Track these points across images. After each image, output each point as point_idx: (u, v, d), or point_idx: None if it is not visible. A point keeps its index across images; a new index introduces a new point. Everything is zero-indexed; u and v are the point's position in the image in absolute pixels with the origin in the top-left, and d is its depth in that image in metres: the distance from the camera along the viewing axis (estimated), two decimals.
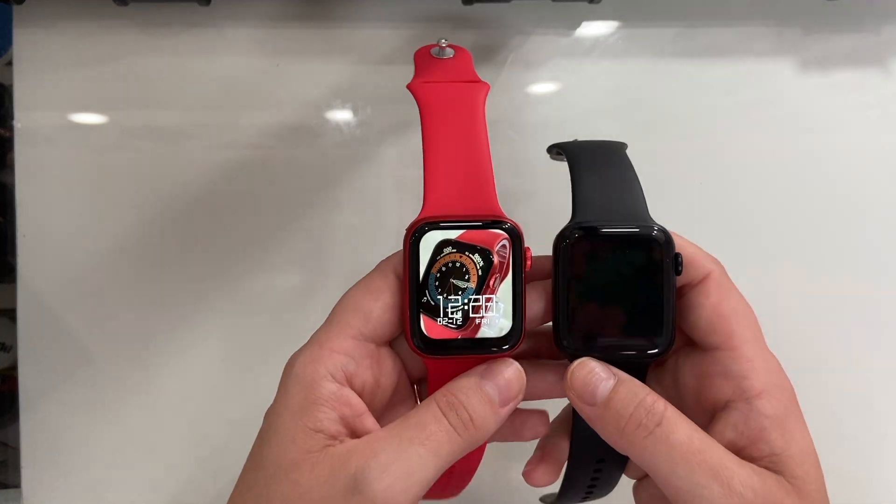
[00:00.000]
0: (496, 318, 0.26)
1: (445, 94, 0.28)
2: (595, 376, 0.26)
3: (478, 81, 0.29)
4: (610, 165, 0.29)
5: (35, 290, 0.42)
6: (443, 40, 0.30)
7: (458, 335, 0.26)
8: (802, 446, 0.26)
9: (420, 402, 0.30)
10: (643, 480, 0.30)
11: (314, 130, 0.42)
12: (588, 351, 0.27)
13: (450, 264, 0.26)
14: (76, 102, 0.42)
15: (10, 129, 0.42)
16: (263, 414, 0.27)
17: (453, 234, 0.26)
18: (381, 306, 0.26)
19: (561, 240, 0.27)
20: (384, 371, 0.28)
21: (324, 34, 0.42)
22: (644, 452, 0.25)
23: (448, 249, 0.26)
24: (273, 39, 0.42)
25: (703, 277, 0.28)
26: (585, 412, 0.26)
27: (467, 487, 0.31)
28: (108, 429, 0.42)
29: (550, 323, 0.28)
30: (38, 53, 0.41)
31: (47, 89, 0.42)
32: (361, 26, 0.42)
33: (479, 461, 0.29)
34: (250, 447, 0.27)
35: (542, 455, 0.31)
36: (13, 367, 0.44)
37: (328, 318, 0.27)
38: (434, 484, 0.27)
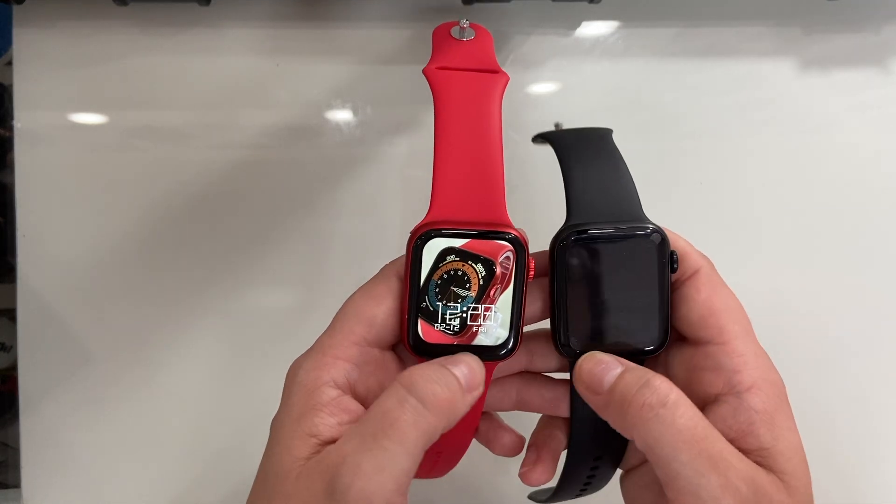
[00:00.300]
0: (493, 328, 0.26)
1: (463, 86, 0.27)
2: (603, 366, 0.26)
3: (497, 71, 0.28)
4: (600, 157, 0.29)
5: (35, 290, 0.42)
6: (465, 20, 0.29)
7: (455, 341, 0.26)
8: (791, 442, 0.26)
9: None
10: (631, 472, 0.30)
11: (314, 130, 0.42)
12: (585, 351, 0.27)
13: (452, 272, 0.26)
14: (76, 102, 0.42)
15: (10, 129, 0.42)
16: (263, 414, 0.27)
17: (458, 243, 0.25)
18: (384, 311, 0.26)
19: (557, 242, 0.27)
20: (388, 376, 0.27)
21: (324, 34, 0.42)
22: (648, 434, 0.24)
23: (451, 257, 0.26)
24: (273, 39, 0.42)
25: (692, 273, 0.28)
26: (593, 401, 0.26)
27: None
28: (108, 429, 0.42)
29: (543, 332, 0.28)
30: (38, 53, 0.41)
31: (47, 89, 0.42)
32: (361, 26, 0.42)
33: (468, 442, 0.29)
34: (250, 447, 0.27)
35: (537, 455, 0.31)
36: (13, 367, 0.44)
37: (331, 323, 0.27)
38: (421, 463, 0.27)
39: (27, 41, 0.41)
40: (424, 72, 0.28)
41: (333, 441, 0.25)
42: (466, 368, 0.25)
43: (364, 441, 0.24)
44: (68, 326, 0.42)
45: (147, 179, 0.42)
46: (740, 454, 0.25)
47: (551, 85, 0.43)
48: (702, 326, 0.27)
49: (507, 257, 0.26)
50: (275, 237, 0.42)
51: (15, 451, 0.43)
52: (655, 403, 0.24)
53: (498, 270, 0.26)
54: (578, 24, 0.43)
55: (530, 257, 0.26)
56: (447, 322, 0.26)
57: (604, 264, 0.27)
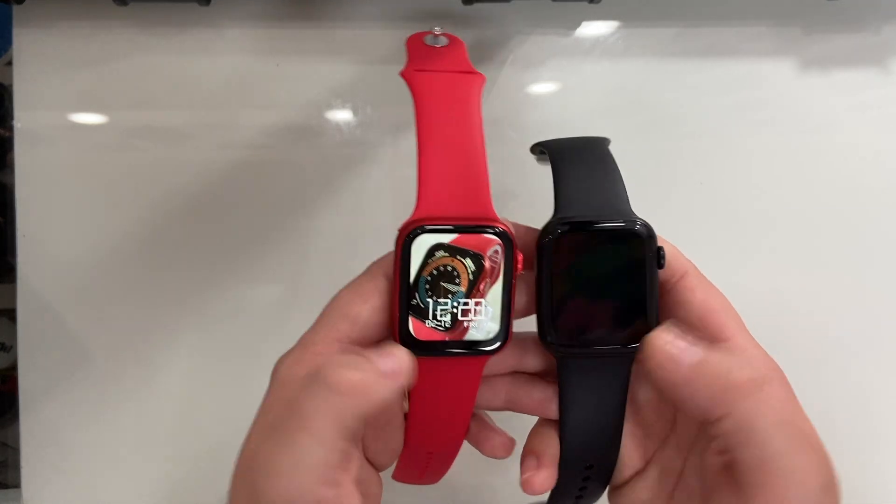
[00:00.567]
0: (484, 322, 0.26)
1: (441, 85, 0.28)
2: (684, 342, 0.26)
3: (474, 72, 0.29)
4: (592, 161, 0.29)
5: (35, 290, 0.42)
6: (436, 28, 0.30)
7: (446, 337, 0.26)
8: (812, 430, 0.26)
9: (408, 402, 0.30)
10: (624, 487, 0.30)
11: (314, 130, 0.42)
12: (572, 345, 0.27)
13: (441, 268, 0.26)
14: (76, 102, 0.42)
15: (10, 129, 0.41)
16: None
17: (446, 238, 0.26)
18: (368, 309, 0.26)
19: (544, 235, 0.27)
20: None
21: (324, 34, 0.42)
22: (747, 412, 0.25)
23: (440, 253, 0.26)
24: (273, 39, 0.42)
25: (681, 276, 0.28)
26: (670, 374, 0.26)
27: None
28: (108, 429, 0.42)
29: (534, 334, 0.28)
30: (38, 53, 0.41)
31: (47, 89, 0.42)
32: (361, 26, 0.42)
33: (458, 442, 0.29)
34: None
35: (537, 460, 0.30)
36: (13, 367, 0.44)
37: (317, 319, 0.27)
38: (411, 470, 0.27)
39: (27, 41, 0.41)
40: (402, 74, 0.28)
41: None
42: (386, 355, 0.25)
43: (272, 434, 0.23)
44: (68, 326, 0.42)
45: (147, 179, 0.42)
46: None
47: (551, 85, 0.43)
48: (703, 326, 0.27)
49: (496, 251, 0.26)
50: (275, 237, 0.42)
51: (15, 451, 0.43)
52: (759, 380, 0.25)
53: (487, 264, 0.26)
54: (578, 24, 0.43)
55: (518, 250, 0.26)
56: (438, 318, 0.26)
57: (590, 258, 0.27)
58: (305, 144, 0.42)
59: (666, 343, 0.26)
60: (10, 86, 0.41)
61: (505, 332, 0.26)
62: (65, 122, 0.42)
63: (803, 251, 0.43)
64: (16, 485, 0.42)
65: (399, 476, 0.31)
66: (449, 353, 0.26)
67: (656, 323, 0.27)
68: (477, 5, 0.41)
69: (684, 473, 0.29)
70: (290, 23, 0.42)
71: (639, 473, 0.30)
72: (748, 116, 0.43)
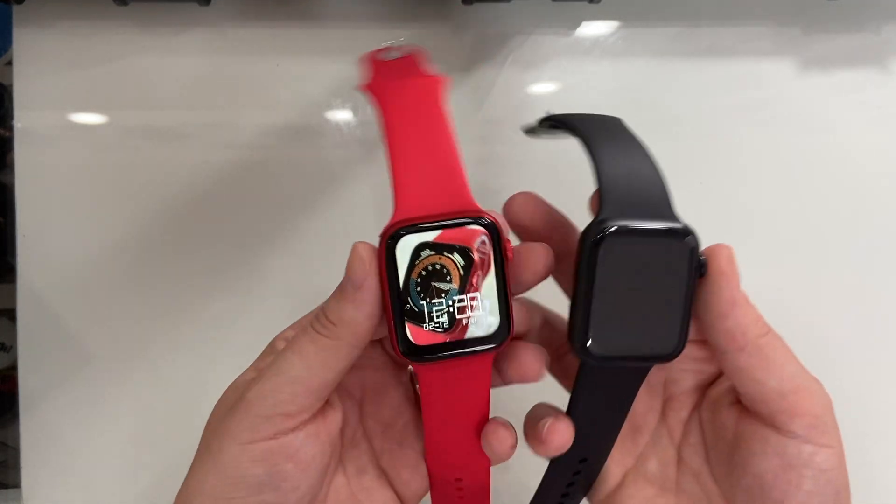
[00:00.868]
0: (483, 317, 0.25)
1: (402, 90, 0.27)
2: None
3: (435, 76, 0.27)
4: (627, 146, 0.27)
5: (35, 290, 0.42)
6: (392, 42, 0.30)
7: (447, 338, 0.25)
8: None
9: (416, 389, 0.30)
10: (622, 489, 0.30)
11: (314, 130, 0.42)
12: (603, 354, 0.26)
13: (430, 267, 0.25)
14: (76, 102, 0.42)
15: (10, 129, 0.42)
16: None
17: (430, 236, 0.25)
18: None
19: (589, 235, 0.25)
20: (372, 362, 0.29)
21: (324, 34, 0.42)
22: (763, 345, 0.26)
23: (426, 252, 0.25)
24: (273, 39, 0.42)
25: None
26: (732, 296, 0.26)
27: None
28: (108, 429, 0.42)
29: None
30: (38, 53, 0.41)
31: (47, 89, 0.42)
32: (362, 26, 0.42)
33: (483, 465, 0.29)
34: None
35: (554, 413, 0.29)
36: (13, 367, 0.44)
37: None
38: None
39: (27, 41, 0.41)
40: (361, 87, 0.27)
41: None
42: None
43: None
44: (68, 326, 0.42)
45: (147, 179, 0.42)
46: None
47: (551, 85, 0.43)
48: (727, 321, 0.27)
49: (483, 241, 0.25)
50: (275, 237, 0.42)
51: (15, 451, 0.43)
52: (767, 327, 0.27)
53: (476, 257, 0.25)
54: (578, 24, 0.43)
55: (506, 239, 0.25)
56: (435, 320, 0.25)
57: (631, 264, 0.25)
58: (305, 144, 0.42)
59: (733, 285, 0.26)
60: (10, 86, 0.41)
61: (506, 324, 0.25)
62: (65, 122, 0.42)
63: (803, 251, 0.43)
64: (16, 485, 0.42)
65: None
66: (453, 354, 0.25)
67: (687, 332, 0.26)
68: (477, 5, 0.41)
69: (683, 458, 0.30)
70: (290, 23, 0.42)
71: (637, 471, 0.30)
72: (748, 116, 0.43)
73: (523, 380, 0.27)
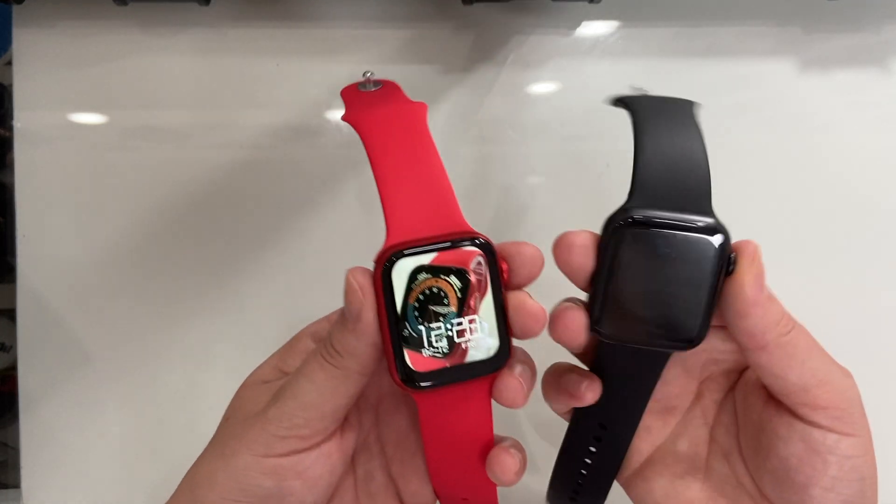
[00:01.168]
0: (482, 339, 0.25)
1: (385, 117, 0.27)
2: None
3: (414, 102, 0.28)
4: (677, 130, 0.27)
5: (35, 290, 0.42)
6: (369, 73, 0.29)
7: (447, 363, 0.25)
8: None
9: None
10: (649, 466, 0.30)
11: (314, 130, 0.42)
12: (621, 336, 0.26)
13: (427, 291, 0.24)
14: (76, 102, 0.42)
15: (10, 129, 0.42)
16: None
17: (426, 259, 0.24)
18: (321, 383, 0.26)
19: (613, 221, 0.25)
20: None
21: (324, 34, 0.42)
22: (786, 342, 0.26)
23: (423, 276, 0.24)
24: (273, 39, 0.42)
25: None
26: (753, 296, 0.25)
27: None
28: (108, 429, 0.42)
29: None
30: (38, 53, 0.41)
31: (47, 89, 0.42)
32: (362, 26, 0.42)
33: (489, 487, 0.28)
34: None
35: (581, 372, 0.29)
36: (13, 367, 0.44)
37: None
38: None
39: (27, 41, 0.41)
40: (344, 118, 0.27)
41: None
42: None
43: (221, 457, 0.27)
44: (68, 326, 0.42)
45: (147, 179, 0.42)
46: None
47: (551, 85, 0.43)
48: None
49: (479, 262, 0.25)
50: (275, 237, 0.42)
51: (15, 451, 0.43)
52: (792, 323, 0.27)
53: (473, 278, 0.25)
54: (578, 24, 0.43)
55: (501, 259, 0.25)
56: (434, 345, 0.25)
57: (655, 254, 0.25)
58: (305, 144, 0.42)
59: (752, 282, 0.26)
60: (10, 86, 0.41)
61: (506, 345, 0.25)
62: (65, 122, 0.42)
63: (803, 251, 0.43)
64: (16, 485, 0.42)
65: None
66: (453, 379, 0.25)
67: (708, 326, 0.26)
68: (477, 5, 0.41)
69: (715, 438, 0.30)
70: (290, 23, 0.42)
71: (666, 449, 0.30)
72: (748, 116, 0.43)
73: (506, 406, 0.27)
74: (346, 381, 0.25)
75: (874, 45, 0.43)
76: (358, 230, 0.43)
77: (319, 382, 0.25)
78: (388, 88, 0.29)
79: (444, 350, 0.25)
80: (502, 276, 0.25)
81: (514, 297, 0.25)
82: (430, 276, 0.24)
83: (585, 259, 0.26)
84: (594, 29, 0.43)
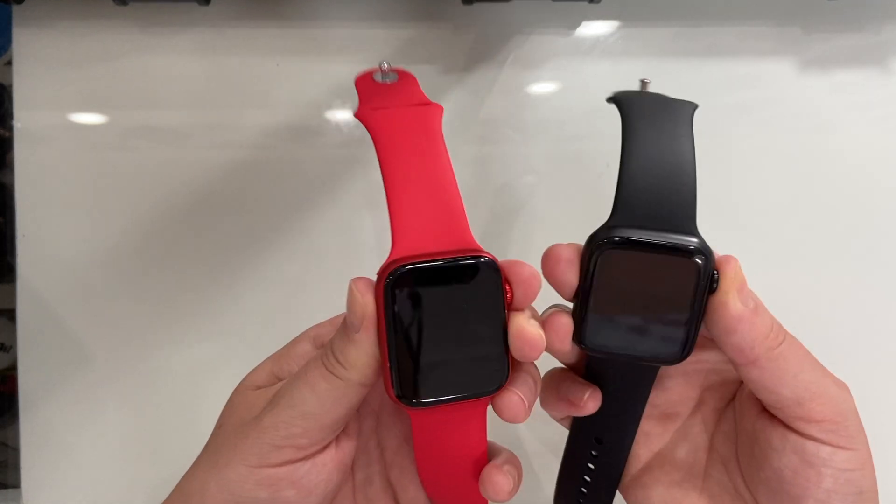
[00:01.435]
0: None
1: (400, 120, 0.26)
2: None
3: (430, 103, 0.27)
4: (665, 142, 0.27)
5: (35, 290, 0.42)
6: (384, 63, 0.28)
7: None
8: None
9: None
10: (647, 471, 0.30)
11: (314, 130, 0.42)
12: (604, 350, 0.26)
13: None
14: (76, 102, 0.42)
15: (10, 129, 0.41)
16: None
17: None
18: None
19: (594, 240, 0.25)
20: None
21: (324, 34, 0.42)
22: (776, 356, 0.26)
23: None
24: (273, 39, 0.42)
25: None
26: (737, 312, 0.25)
27: None
28: (108, 429, 0.42)
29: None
30: (38, 53, 0.41)
31: (47, 89, 0.42)
32: (362, 26, 0.42)
33: (475, 487, 0.28)
34: None
35: (583, 384, 0.29)
36: (13, 367, 0.44)
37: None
38: None
39: (27, 41, 0.41)
40: (357, 115, 0.27)
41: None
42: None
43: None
44: (68, 326, 0.42)
45: (147, 179, 0.42)
46: None
47: (551, 85, 0.43)
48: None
49: None
50: (274, 237, 0.42)
51: (15, 451, 0.43)
52: (782, 334, 0.27)
53: None
54: (578, 24, 0.43)
55: (505, 279, 0.25)
56: None
57: (637, 271, 0.25)
58: (305, 144, 0.42)
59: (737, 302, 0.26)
60: (10, 86, 0.41)
61: (505, 368, 0.25)
62: (65, 122, 0.42)
63: (803, 251, 0.43)
64: (16, 485, 0.42)
65: None
66: (449, 399, 0.24)
67: (692, 347, 0.26)
68: (477, 5, 0.41)
69: (714, 446, 0.30)
70: (290, 23, 0.42)
71: (664, 455, 0.30)
72: (748, 116, 0.43)
73: (508, 421, 0.27)
74: (348, 390, 0.25)
75: (874, 45, 0.43)
76: (358, 230, 0.43)
77: (320, 392, 0.25)
78: (404, 82, 0.28)
79: None
80: (506, 297, 0.25)
81: (513, 322, 0.25)
82: None
83: (571, 274, 0.26)
84: (594, 29, 0.43)
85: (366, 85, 0.28)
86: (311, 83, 0.42)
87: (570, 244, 0.26)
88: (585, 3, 0.41)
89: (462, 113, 0.42)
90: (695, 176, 0.26)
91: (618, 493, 0.31)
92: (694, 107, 0.29)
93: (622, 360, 0.27)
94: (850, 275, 0.43)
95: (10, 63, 0.41)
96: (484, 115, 0.43)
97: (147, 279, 0.42)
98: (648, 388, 0.28)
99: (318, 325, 0.30)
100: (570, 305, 0.27)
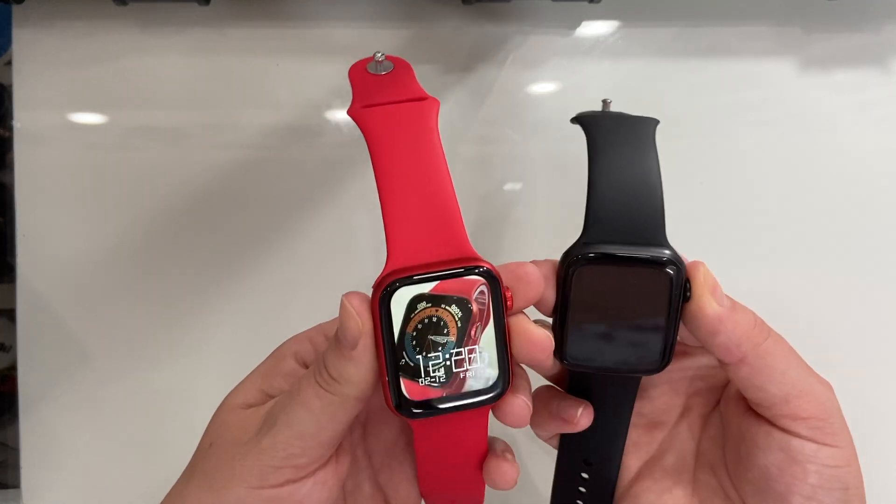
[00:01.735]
0: (482, 369, 0.24)
1: (393, 119, 0.25)
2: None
3: (426, 97, 0.26)
4: (631, 158, 0.27)
5: (35, 290, 0.42)
6: (378, 53, 0.27)
7: (443, 392, 0.24)
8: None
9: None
10: (638, 482, 0.31)
11: (314, 130, 0.42)
12: (582, 364, 0.27)
13: (426, 320, 0.24)
14: (76, 102, 0.42)
15: (10, 129, 0.41)
16: None
17: (426, 288, 0.24)
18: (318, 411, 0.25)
19: (568, 258, 0.26)
20: None
21: (323, 34, 0.42)
22: (763, 352, 0.26)
23: (422, 305, 0.24)
24: (273, 39, 0.42)
25: None
26: (715, 313, 0.26)
27: None
28: (108, 429, 0.42)
29: None
30: (37, 53, 0.41)
31: (47, 89, 0.42)
32: (361, 26, 0.42)
33: (479, 494, 0.28)
34: None
35: (576, 400, 0.29)
36: (13, 367, 0.44)
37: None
38: None
39: (27, 41, 0.41)
40: (349, 113, 0.26)
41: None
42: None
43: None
44: (68, 326, 0.42)
45: (147, 179, 0.42)
46: None
47: (551, 85, 0.43)
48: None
49: (482, 292, 0.24)
50: (274, 237, 0.42)
51: (15, 451, 0.43)
52: (767, 331, 0.27)
53: (475, 308, 0.24)
54: (578, 24, 0.43)
55: (506, 287, 0.25)
56: (431, 374, 0.24)
57: (612, 285, 0.26)
58: (305, 144, 0.42)
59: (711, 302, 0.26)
60: (10, 86, 0.41)
61: (505, 376, 0.25)
62: (65, 122, 0.42)
63: (803, 251, 0.43)
64: (16, 485, 0.42)
65: None
66: (448, 409, 0.24)
67: (672, 351, 0.27)
68: (477, 5, 0.41)
69: (702, 451, 0.30)
70: (290, 23, 0.42)
71: (654, 464, 0.30)
72: (748, 116, 0.43)
73: (512, 426, 0.27)
74: (344, 407, 0.24)
75: (874, 45, 0.43)
76: (357, 230, 0.43)
77: (316, 411, 0.24)
78: (399, 72, 0.27)
79: (442, 379, 0.24)
80: (506, 304, 0.24)
81: (517, 324, 0.25)
82: (429, 305, 0.24)
83: (548, 291, 0.26)
84: (594, 29, 0.43)
85: (359, 77, 0.27)
86: (311, 83, 0.42)
87: (544, 262, 0.27)
88: (585, 3, 0.41)
89: (462, 113, 0.42)
90: (661, 189, 0.27)
91: None
92: (655, 122, 0.29)
93: (603, 372, 0.27)
94: (850, 274, 0.43)
95: (10, 63, 0.41)
96: (484, 115, 0.43)
97: (147, 279, 0.42)
98: (632, 399, 0.29)
99: (294, 341, 0.29)
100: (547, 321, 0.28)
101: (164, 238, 0.42)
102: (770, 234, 0.43)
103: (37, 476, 0.42)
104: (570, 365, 0.27)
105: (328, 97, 0.42)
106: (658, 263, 0.25)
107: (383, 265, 0.25)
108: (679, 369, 0.30)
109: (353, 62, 0.43)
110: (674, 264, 0.25)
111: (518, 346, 0.25)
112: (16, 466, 0.42)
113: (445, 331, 0.24)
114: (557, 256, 0.27)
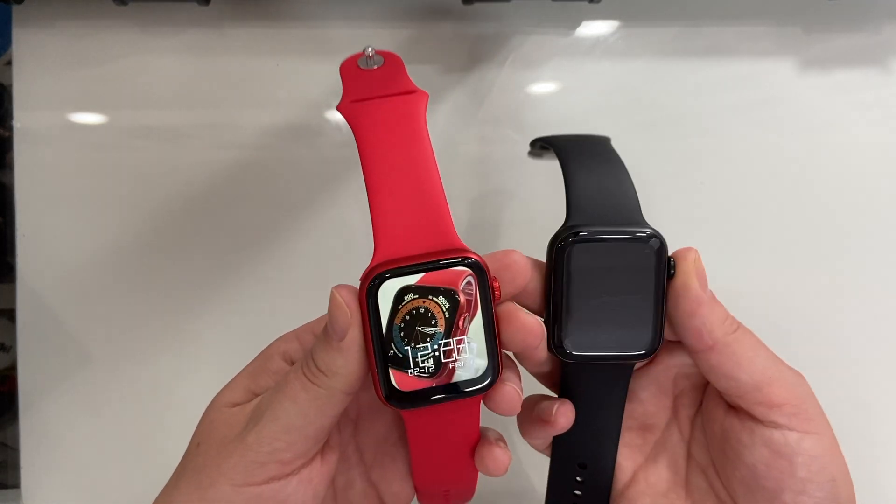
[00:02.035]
0: (470, 359, 0.25)
1: (381, 113, 0.26)
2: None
3: (415, 91, 0.26)
4: (601, 161, 0.29)
5: (34, 290, 0.42)
6: (369, 48, 0.27)
7: (433, 383, 0.24)
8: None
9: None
10: (632, 486, 0.31)
11: (314, 130, 0.42)
12: (580, 353, 0.27)
13: (414, 311, 0.24)
14: (76, 102, 0.42)
15: (10, 129, 0.42)
16: None
17: (413, 279, 0.24)
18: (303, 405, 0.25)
19: (556, 242, 0.27)
20: None
21: (324, 34, 0.42)
22: (732, 341, 0.27)
23: (410, 296, 0.24)
24: (273, 39, 0.42)
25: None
26: (696, 293, 0.26)
27: None
28: (108, 429, 0.42)
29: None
30: (37, 53, 0.41)
31: (47, 89, 0.42)
32: (362, 26, 0.42)
33: (472, 482, 0.29)
34: None
35: (555, 400, 0.29)
36: (13, 367, 0.44)
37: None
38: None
39: (27, 41, 0.41)
40: (338, 109, 0.26)
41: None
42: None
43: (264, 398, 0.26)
44: (68, 326, 0.42)
45: (147, 179, 0.42)
46: None
47: (551, 85, 0.43)
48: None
49: (469, 282, 0.24)
50: (274, 237, 0.42)
51: (15, 451, 0.43)
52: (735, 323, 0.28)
53: (462, 299, 0.24)
54: (578, 24, 0.43)
55: (493, 277, 0.25)
56: (420, 365, 0.24)
57: (601, 267, 0.27)
58: (305, 144, 0.42)
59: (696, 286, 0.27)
60: (10, 86, 0.41)
61: (494, 366, 0.25)
62: (65, 122, 0.42)
63: (803, 251, 0.43)
64: (15, 485, 0.42)
65: None
66: (439, 400, 0.25)
67: (662, 331, 0.27)
68: (477, 5, 0.41)
69: (692, 454, 0.30)
70: (290, 23, 0.42)
71: (647, 467, 0.31)
72: (748, 116, 0.43)
73: (504, 415, 0.27)
74: (331, 400, 0.24)
75: (874, 45, 0.43)
76: (357, 230, 0.43)
77: (302, 403, 0.24)
78: (390, 67, 0.27)
79: (431, 370, 0.24)
80: (494, 294, 0.25)
81: (507, 312, 0.25)
82: (416, 296, 0.24)
83: (534, 281, 0.27)
84: (594, 29, 0.43)
85: (350, 72, 0.27)
86: (310, 83, 0.42)
87: (531, 257, 0.27)
88: (585, 3, 0.41)
89: (462, 113, 0.42)
90: (632, 181, 0.28)
91: None
92: (609, 138, 0.32)
93: (598, 360, 0.28)
94: (850, 275, 0.43)
95: (10, 63, 0.41)
96: (484, 115, 0.43)
97: (147, 279, 0.42)
98: (623, 396, 0.29)
99: (282, 341, 0.29)
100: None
101: (165, 238, 0.42)
102: (770, 234, 0.43)
103: (37, 476, 0.42)
104: (566, 356, 0.27)
105: (328, 97, 0.42)
106: (642, 237, 0.27)
107: None
108: (663, 368, 0.30)
109: None
110: (656, 237, 0.27)
111: (510, 333, 0.25)
112: (16, 466, 0.42)
113: (433, 322, 0.24)
114: None
